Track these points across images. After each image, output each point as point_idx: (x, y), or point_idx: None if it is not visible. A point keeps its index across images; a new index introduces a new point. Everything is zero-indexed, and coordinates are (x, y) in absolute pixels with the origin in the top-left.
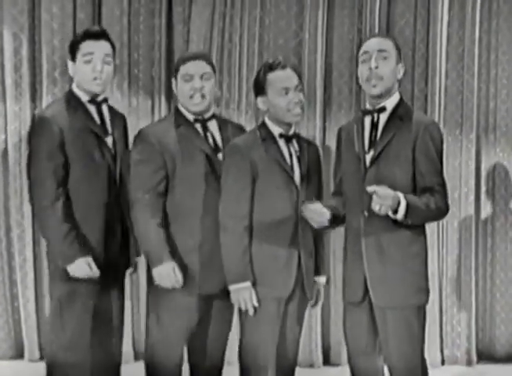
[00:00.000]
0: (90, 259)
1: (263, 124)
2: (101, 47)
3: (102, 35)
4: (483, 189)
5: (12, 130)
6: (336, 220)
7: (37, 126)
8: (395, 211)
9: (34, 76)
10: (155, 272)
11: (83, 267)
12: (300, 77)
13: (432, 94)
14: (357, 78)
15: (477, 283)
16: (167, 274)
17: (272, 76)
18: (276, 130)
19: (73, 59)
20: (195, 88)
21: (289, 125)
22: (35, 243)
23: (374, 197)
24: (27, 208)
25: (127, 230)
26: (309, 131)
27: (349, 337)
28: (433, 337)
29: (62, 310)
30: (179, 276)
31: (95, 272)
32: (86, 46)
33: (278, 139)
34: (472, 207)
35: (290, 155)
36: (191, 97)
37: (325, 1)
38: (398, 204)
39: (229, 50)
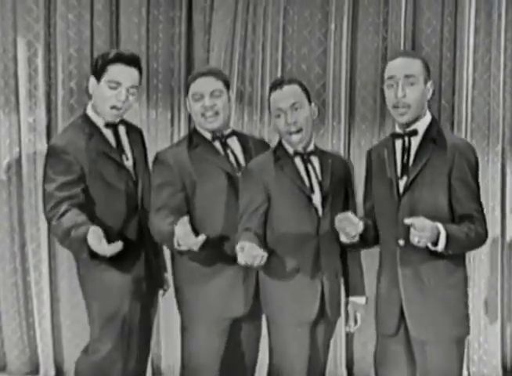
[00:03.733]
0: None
1: (279, 143)
2: (130, 76)
3: (133, 62)
4: (508, 204)
5: (27, 142)
6: (363, 239)
7: (52, 157)
8: (435, 243)
9: (49, 86)
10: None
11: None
12: (306, 91)
13: (459, 105)
14: (381, 90)
15: (502, 300)
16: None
17: (270, 97)
18: (291, 148)
19: (98, 78)
20: (205, 106)
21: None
22: (51, 258)
23: (412, 229)
24: (43, 222)
25: (153, 253)
26: (334, 145)
27: (382, 369)
28: None
29: (100, 331)
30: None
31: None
32: (115, 72)
33: (294, 157)
34: (498, 222)
35: (308, 174)
36: (203, 115)
37: (350, 8)
38: (438, 235)
39: (251, 59)
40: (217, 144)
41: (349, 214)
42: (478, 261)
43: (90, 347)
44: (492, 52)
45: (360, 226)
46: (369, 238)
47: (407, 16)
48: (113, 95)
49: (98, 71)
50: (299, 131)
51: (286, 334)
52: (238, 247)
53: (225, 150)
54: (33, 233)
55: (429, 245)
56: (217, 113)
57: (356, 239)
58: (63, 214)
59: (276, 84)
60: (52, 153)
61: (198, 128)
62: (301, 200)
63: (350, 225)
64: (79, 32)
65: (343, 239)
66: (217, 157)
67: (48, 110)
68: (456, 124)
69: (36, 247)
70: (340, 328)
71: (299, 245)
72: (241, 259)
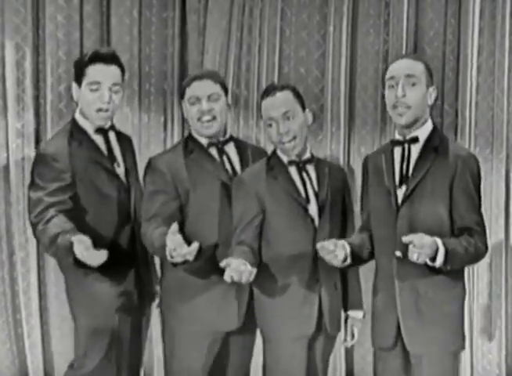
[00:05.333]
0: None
1: (274, 152)
2: (110, 75)
3: (112, 59)
4: None
5: (15, 148)
6: (357, 258)
7: (41, 164)
8: (433, 259)
9: (37, 90)
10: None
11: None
12: (299, 98)
13: (462, 110)
14: (382, 94)
15: (506, 309)
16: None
17: (262, 105)
18: (286, 157)
19: (79, 82)
20: (202, 110)
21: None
22: (40, 267)
23: (411, 246)
24: (31, 231)
25: (145, 264)
26: (333, 151)
27: None
28: (464, 363)
29: (87, 346)
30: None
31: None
32: (93, 72)
33: (288, 166)
34: (502, 231)
35: (304, 183)
36: (199, 120)
37: (349, 9)
38: (436, 250)
39: (247, 62)
40: (213, 150)
41: (324, 243)
42: (482, 270)
43: (76, 362)
44: (496, 55)
45: (339, 253)
46: (363, 255)
47: (409, 17)
48: (96, 98)
49: (77, 76)
50: (292, 139)
51: (283, 351)
52: (223, 264)
53: (221, 157)
54: (21, 242)
55: (427, 261)
56: (214, 118)
57: (348, 262)
58: (50, 219)
59: (268, 91)
60: (41, 161)
61: (193, 134)
62: (297, 211)
63: (328, 254)
64: (68, 34)
65: (334, 264)
66: (212, 165)
67: (37, 115)
68: (460, 129)
69: (24, 255)
70: (340, 341)
71: (295, 258)
72: (227, 276)
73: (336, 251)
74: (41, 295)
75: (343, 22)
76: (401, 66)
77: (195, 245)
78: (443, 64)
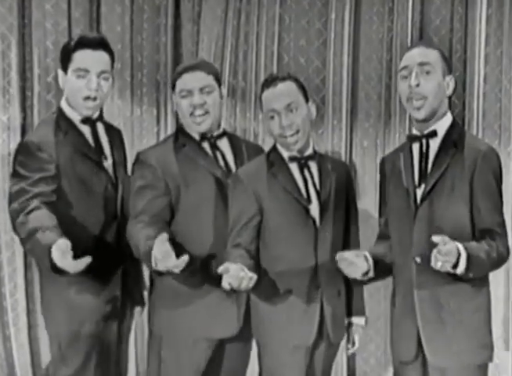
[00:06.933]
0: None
1: (274, 147)
2: (97, 61)
3: (100, 45)
4: None
5: (0, 143)
6: (382, 269)
7: (25, 154)
8: (455, 266)
9: (24, 81)
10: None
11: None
12: (302, 89)
13: (470, 101)
14: (386, 85)
15: None
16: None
17: (263, 96)
18: (286, 153)
19: (65, 69)
20: (194, 104)
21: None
22: (27, 267)
23: (435, 252)
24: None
25: (132, 266)
26: (334, 145)
27: None
28: None
29: (64, 351)
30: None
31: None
32: (80, 58)
33: (289, 163)
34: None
35: (305, 182)
36: (192, 114)
37: None
38: (458, 256)
39: (245, 52)
40: (205, 145)
41: (344, 253)
42: (492, 277)
43: (51, 366)
44: (504, 44)
45: (363, 267)
46: (387, 268)
47: (414, 4)
48: (83, 85)
49: (63, 62)
50: (295, 133)
51: (280, 360)
52: (221, 269)
53: (213, 153)
54: (7, 241)
55: (448, 268)
56: (207, 112)
57: (370, 275)
58: (32, 211)
59: (269, 82)
60: (25, 150)
61: (185, 127)
62: (297, 211)
63: (348, 266)
64: (56, 23)
65: (354, 277)
66: (205, 160)
67: (23, 108)
68: (467, 122)
69: (11, 255)
70: (342, 346)
71: (295, 262)
72: (225, 282)
73: (358, 264)
74: (29, 296)
75: (345, 9)
76: (413, 55)
77: (184, 258)
78: (450, 54)
